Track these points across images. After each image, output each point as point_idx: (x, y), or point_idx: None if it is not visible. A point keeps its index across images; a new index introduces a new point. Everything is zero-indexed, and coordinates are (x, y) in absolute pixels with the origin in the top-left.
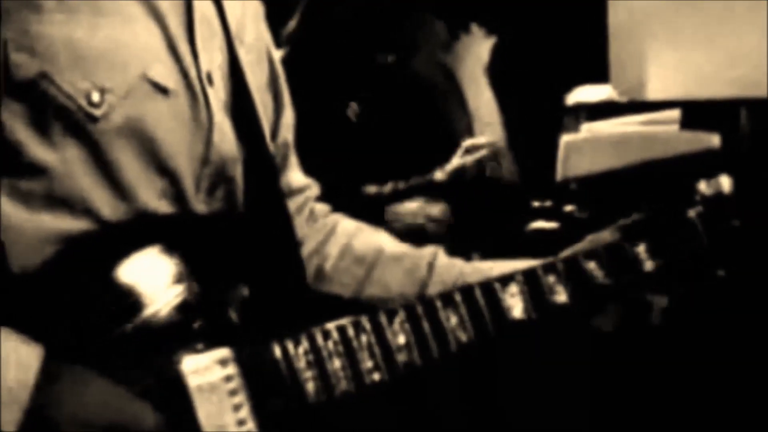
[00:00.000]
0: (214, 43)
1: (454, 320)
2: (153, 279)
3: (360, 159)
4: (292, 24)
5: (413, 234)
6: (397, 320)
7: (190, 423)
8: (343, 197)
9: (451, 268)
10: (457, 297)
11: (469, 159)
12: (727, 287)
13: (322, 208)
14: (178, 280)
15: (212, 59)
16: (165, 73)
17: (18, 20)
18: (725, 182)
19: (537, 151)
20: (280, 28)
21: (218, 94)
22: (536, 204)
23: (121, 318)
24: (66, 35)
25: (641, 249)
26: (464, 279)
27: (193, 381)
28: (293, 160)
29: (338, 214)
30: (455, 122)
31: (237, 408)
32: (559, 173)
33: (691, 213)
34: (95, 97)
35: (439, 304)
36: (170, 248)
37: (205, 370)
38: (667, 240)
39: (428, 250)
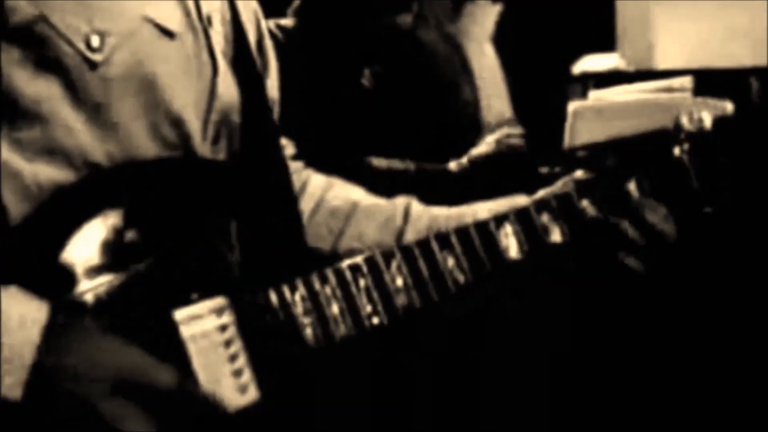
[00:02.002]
0: None
1: (451, 261)
2: (144, 229)
3: (368, 128)
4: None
5: None
6: (394, 263)
7: (185, 374)
8: (350, 167)
9: (425, 215)
10: (453, 238)
11: (485, 150)
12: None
13: (295, 165)
14: (172, 229)
15: (212, 1)
16: (168, 14)
17: None
18: (707, 118)
19: (544, 121)
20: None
21: (218, 38)
22: (545, 170)
23: (114, 268)
24: None
25: (632, 186)
26: (438, 225)
27: (186, 331)
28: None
29: (310, 170)
30: (461, 93)
31: (233, 358)
32: (567, 141)
33: (677, 150)
34: (95, 41)
35: (435, 245)
36: (162, 197)
37: (199, 320)
38: (655, 177)
39: (401, 200)
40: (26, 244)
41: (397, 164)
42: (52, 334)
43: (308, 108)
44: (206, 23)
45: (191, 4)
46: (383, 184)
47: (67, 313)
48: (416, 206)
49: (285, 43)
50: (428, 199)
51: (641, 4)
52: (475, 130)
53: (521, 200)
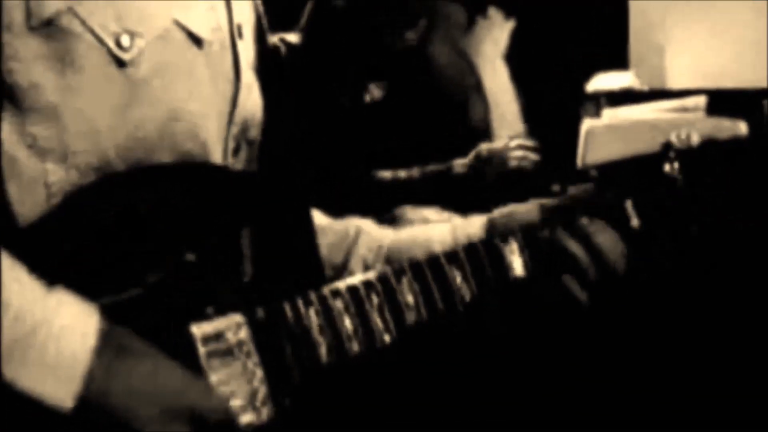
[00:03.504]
0: None
1: (459, 278)
2: (159, 238)
3: (374, 143)
4: (308, 8)
5: None
6: (405, 279)
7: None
8: (356, 181)
9: (378, 233)
10: (462, 254)
11: (490, 152)
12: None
13: None
14: (186, 239)
15: (243, 11)
16: (199, 21)
17: None
18: (694, 136)
19: (557, 138)
20: (296, 14)
21: (247, 51)
22: (557, 189)
23: (126, 280)
24: None
25: (629, 205)
26: (390, 244)
27: (203, 348)
28: None
29: None
30: (472, 108)
31: (249, 375)
32: (580, 159)
33: (667, 167)
34: (125, 40)
35: (444, 261)
36: (177, 205)
37: (216, 336)
38: (648, 195)
39: (354, 221)
40: (39, 248)
41: (401, 173)
42: (104, 347)
43: (312, 122)
44: (236, 33)
45: (223, 13)
46: (389, 194)
47: (116, 328)
48: (370, 225)
49: (289, 57)
50: (435, 201)
51: (655, 23)
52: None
53: (477, 221)
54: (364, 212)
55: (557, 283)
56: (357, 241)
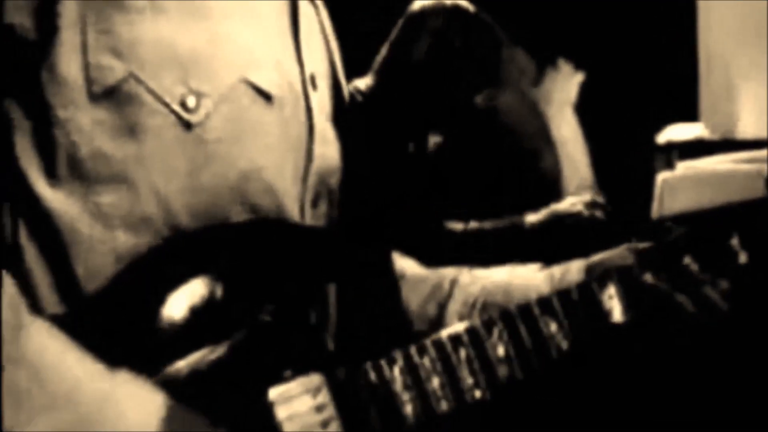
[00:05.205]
0: (316, 43)
1: (553, 327)
2: (233, 299)
3: (444, 195)
4: (382, 53)
5: None
6: (496, 331)
7: None
8: (425, 232)
9: (474, 285)
10: (556, 301)
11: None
12: None
13: None
14: (262, 300)
15: (315, 61)
16: (268, 77)
17: (101, 20)
18: None
19: (628, 190)
20: (370, 58)
21: (321, 100)
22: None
23: (200, 343)
24: (157, 36)
25: (735, 241)
26: (486, 296)
27: (282, 412)
28: None
29: None
30: (543, 159)
31: None
32: (655, 211)
33: None
34: (191, 101)
35: (536, 309)
36: (251, 264)
37: (295, 400)
38: (757, 231)
39: (450, 271)
40: (106, 314)
41: (473, 225)
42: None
43: (385, 171)
44: (308, 85)
45: (294, 65)
46: (460, 247)
47: (180, 406)
48: (465, 275)
49: (363, 104)
50: (504, 255)
51: (725, 74)
52: (556, 196)
53: (575, 266)
54: (434, 264)
55: (659, 328)
56: (452, 294)
